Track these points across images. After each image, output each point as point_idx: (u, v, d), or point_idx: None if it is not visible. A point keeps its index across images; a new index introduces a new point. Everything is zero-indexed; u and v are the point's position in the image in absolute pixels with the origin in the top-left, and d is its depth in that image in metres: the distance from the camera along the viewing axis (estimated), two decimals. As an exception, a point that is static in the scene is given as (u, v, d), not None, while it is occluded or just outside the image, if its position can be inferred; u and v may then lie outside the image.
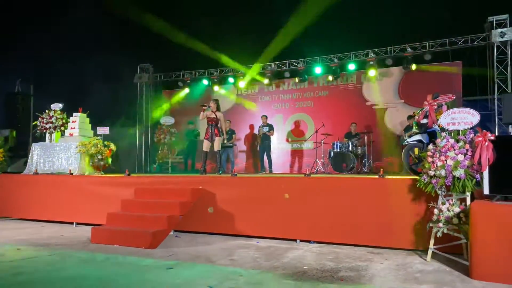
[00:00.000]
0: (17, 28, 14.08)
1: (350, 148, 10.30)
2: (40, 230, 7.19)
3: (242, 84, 13.42)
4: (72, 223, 7.73)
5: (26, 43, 14.07)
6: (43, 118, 9.44)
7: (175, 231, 6.64)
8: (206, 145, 8.27)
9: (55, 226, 7.58)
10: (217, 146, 8.25)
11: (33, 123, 11.42)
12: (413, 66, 11.32)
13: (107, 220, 6.31)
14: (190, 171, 12.10)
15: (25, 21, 13.98)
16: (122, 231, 5.89)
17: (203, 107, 8.31)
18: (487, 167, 4.20)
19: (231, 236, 6.38)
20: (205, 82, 13.85)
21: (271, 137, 11.33)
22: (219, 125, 8.34)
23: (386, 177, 5.77)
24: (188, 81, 14.03)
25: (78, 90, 13.73)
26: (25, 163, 9.75)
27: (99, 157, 8.37)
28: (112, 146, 8.65)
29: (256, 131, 12.27)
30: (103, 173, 8.56)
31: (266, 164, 11.25)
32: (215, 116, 8.25)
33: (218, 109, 8.37)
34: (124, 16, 13.83)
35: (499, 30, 10.20)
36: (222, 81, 13.92)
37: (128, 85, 14.78)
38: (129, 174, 7.93)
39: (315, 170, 10.84)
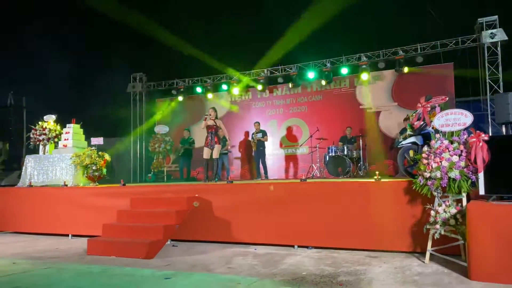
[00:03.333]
0: (9, 41, 14.04)
1: (345, 152, 10.31)
2: (36, 243, 7.12)
3: (235, 91, 13.42)
4: (67, 235, 7.66)
5: (17, 56, 14.03)
6: (36, 130, 9.38)
7: (172, 240, 6.59)
8: (206, 153, 8.37)
9: (51, 239, 7.50)
10: (216, 154, 8.39)
11: (26, 135, 11.36)
12: (405, 69, 11.39)
13: (103, 231, 6.26)
14: (185, 179, 12.06)
15: (17, 33, 13.94)
16: (118, 242, 5.84)
17: (205, 117, 8.48)
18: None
19: (228, 243, 6.34)
20: (198, 89, 13.85)
21: (266, 143, 11.32)
22: (219, 132, 8.53)
23: (382, 180, 5.77)
24: (182, 89, 14.02)
25: (71, 101, 13.69)
26: (19, 175, 9.68)
27: (94, 167, 8.32)
28: (107, 157, 8.61)
29: (250, 137, 12.27)
30: (98, 183, 8.50)
31: (262, 170, 11.23)
32: (214, 124, 8.41)
33: (216, 116, 8.56)
34: (116, 26, 13.86)
35: (489, 31, 10.30)
36: (215, 88, 13.92)
37: (121, 94, 14.75)
38: (124, 184, 7.89)
39: (311, 175, 10.84)
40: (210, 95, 13.84)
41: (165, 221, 6.10)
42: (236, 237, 6.31)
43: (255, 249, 5.93)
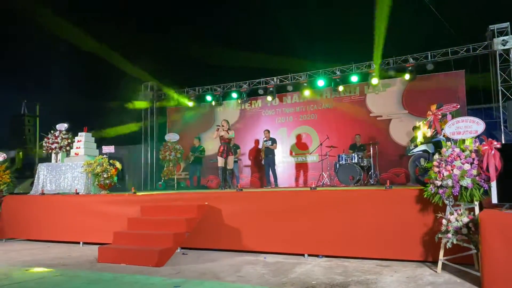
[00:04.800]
0: (23, 51, 14.31)
1: (355, 160, 10.25)
2: (47, 250, 7.18)
3: (245, 99, 13.47)
4: (79, 243, 7.71)
5: (31, 65, 14.29)
6: (49, 139, 9.52)
7: (182, 248, 6.61)
8: (220, 161, 8.81)
9: (62, 246, 7.57)
10: (230, 164, 8.98)
11: (39, 144, 11.52)
12: (416, 77, 11.33)
13: (113, 239, 6.29)
14: (196, 187, 12.09)
15: (31, 42, 14.21)
16: (129, 249, 5.87)
17: (218, 127, 8.91)
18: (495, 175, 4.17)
19: (238, 252, 6.33)
20: (208, 98, 13.93)
21: (275, 151, 11.32)
22: (231, 143, 9.03)
23: (393, 188, 5.73)
24: (192, 98, 14.12)
25: (83, 110, 13.87)
26: (32, 183, 9.80)
27: (105, 175, 8.39)
28: (118, 165, 8.67)
29: (260, 145, 12.29)
30: (109, 191, 8.57)
31: (272, 178, 11.21)
32: (227, 135, 8.83)
33: (229, 127, 9.02)
34: (127, 34, 14.08)
35: (501, 38, 10.22)
36: (225, 97, 13.99)
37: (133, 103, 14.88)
38: (135, 192, 7.94)
39: (321, 183, 10.79)
40: (220, 104, 13.91)
41: (175, 229, 6.11)
42: (246, 246, 6.30)
43: (265, 258, 5.91)
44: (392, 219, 5.39)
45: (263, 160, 11.45)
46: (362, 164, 10.37)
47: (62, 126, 9.64)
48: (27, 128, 14.01)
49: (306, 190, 6.43)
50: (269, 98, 13.03)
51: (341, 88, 12.20)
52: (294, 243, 5.96)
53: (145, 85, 14.87)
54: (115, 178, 8.64)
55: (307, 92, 12.64)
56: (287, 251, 6.05)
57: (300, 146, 13.09)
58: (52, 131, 9.60)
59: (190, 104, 14.21)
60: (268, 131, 11.41)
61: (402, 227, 5.30)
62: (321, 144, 11.41)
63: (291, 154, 13.14)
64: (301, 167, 13.00)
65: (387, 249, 5.38)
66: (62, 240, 7.91)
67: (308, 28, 13.07)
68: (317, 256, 5.85)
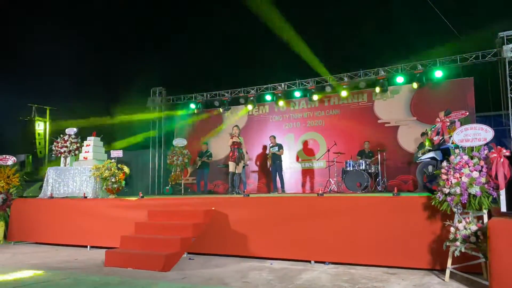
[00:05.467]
0: (33, 57, 14.51)
1: (363, 166, 10.21)
2: (55, 254, 7.23)
3: (251, 105, 13.52)
4: (86, 247, 7.76)
5: (42, 71, 14.47)
6: (58, 143, 9.62)
7: (188, 253, 6.61)
8: (232, 166, 9.11)
9: (70, 250, 7.62)
10: (240, 169, 9.25)
11: (49, 148, 11.63)
12: (424, 83, 11.27)
13: (121, 243, 6.32)
14: (202, 192, 12.11)
15: (41, 49, 14.40)
16: (135, 254, 5.89)
17: (231, 135, 9.28)
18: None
19: (244, 257, 6.33)
20: (216, 103, 13.99)
21: (283, 156, 11.31)
22: (242, 148, 9.31)
23: (401, 195, 5.70)
24: (200, 103, 14.19)
25: (92, 114, 14.00)
26: (41, 187, 9.89)
27: (113, 180, 8.45)
28: (126, 169, 8.73)
29: (267, 151, 12.29)
30: (116, 196, 8.61)
31: (279, 184, 11.20)
32: (238, 140, 9.19)
33: (239, 133, 9.40)
34: (136, 40, 14.22)
35: (510, 45, 10.13)
36: (233, 102, 14.03)
37: (141, 108, 15.00)
38: (142, 197, 7.97)
39: (328, 189, 10.75)
40: (227, 109, 13.96)
41: (182, 234, 6.13)
42: (252, 251, 6.29)
43: (271, 264, 5.90)
44: (399, 226, 5.36)
45: (270, 166, 11.46)
46: (369, 170, 10.33)
47: (72, 130, 9.74)
48: (37, 132, 14.16)
49: (313, 196, 6.41)
50: (280, 103, 13.04)
51: (344, 93, 12.14)
52: (301, 249, 5.95)
53: (154, 90, 14.98)
54: (123, 183, 8.70)
55: (314, 97, 12.62)
56: (293, 257, 6.03)
57: (307, 152, 13.07)
58: (61, 135, 9.71)
59: (198, 109, 14.26)
60: (274, 137, 11.42)
61: (410, 235, 5.26)
62: (328, 150, 11.38)
63: (297, 159, 13.12)
64: (307, 173, 12.97)
65: (395, 257, 5.34)
66: (70, 244, 7.97)
67: (318, 34, 13.10)
68: (323, 262, 5.82)
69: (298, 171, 13.10)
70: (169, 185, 12.67)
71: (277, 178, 11.18)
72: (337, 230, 5.73)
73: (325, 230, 5.80)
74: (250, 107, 13.51)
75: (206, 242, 6.58)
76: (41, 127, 14.37)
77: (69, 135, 9.65)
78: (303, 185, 12.93)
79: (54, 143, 9.69)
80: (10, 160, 9.20)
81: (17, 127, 14.47)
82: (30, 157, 12.80)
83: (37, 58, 14.45)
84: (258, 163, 13.50)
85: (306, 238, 5.91)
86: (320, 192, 6.66)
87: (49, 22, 14.35)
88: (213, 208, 6.71)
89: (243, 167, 11.27)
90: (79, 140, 9.67)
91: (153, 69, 14.69)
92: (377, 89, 11.67)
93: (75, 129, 9.77)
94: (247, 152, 11.81)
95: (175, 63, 14.68)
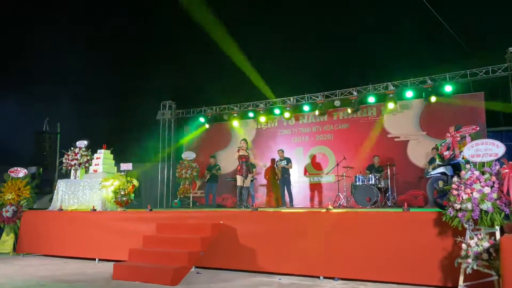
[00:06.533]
0: (49, 72, 14.76)
1: (372, 181, 10.14)
2: (63, 266, 7.24)
3: (262, 119, 13.57)
4: (94, 259, 7.76)
5: (54, 84, 14.71)
6: (68, 155, 9.71)
7: (196, 267, 6.58)
8: (240, 180, 9.04)
9: (78, 263, 7.62)
10: (248, 183, 9.23)
11: (59, 160, 11.75)
12: (434, 98, 11.21)
13: (129, 256, 6.32)
14: (211, 206, 12.09)
15: (52, 61, 14.65)
16: (143, 267, 5.88)
17: (239, 149, 9.24)
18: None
19: (252, 272, 6.27)
20: (225, 117, 14.06)
21: (291, 170, 11.29)
22: (249, 162, 9.30)
23: (411, 210, 5.64)
24: (209, 117, 14.27)
25: (103, 128, 14.15)
26: (51, 199, 9.96)
27: (122, 193, 8.48)
28: (135, 182, 8.77)
29: (276, 165, 12.28)
30: (125, 208, 8.64)
31: (287, 198, 11.15)
32: (247, 154, 9.18)
33: (248, 147, 9.41)
34: (145, 53, 14.42)
35: (521, 60, 10.11)
36: (242, 116, 14.09)
37: (151, 121, 15.14)
38: (151, 209, 7.99)
39: (337, 204, 10.68)
40: (236, 123, 14.02)
41: (190, 247, 6.11)
42: (260, 266, 6.24)
43: (280, 279, 5.84)
44: (410, 242, 5.29)
45: (278, 179, 11.44)
46: (379, 185, 10.26)
47: (82, 143, 9.83)
48: (47, 145, 14.31)
49: (322, 211, 6.37)
50: (286, 114, 13.07)
51: (351, 109, 12.16)
52: (309, 264, 5.89)
53: (163, 104, 15.12)
54: (132, 195, 8.73)
55: (323, 112, 12.62)
56: (302, 273, 5.96)
57: (315, 166, 13.03)
58: (72, 148, 9.81)
59: (207, 122, 14.34)
60: (282, 151, 11.42)
61: (420, 251, 5.19)
62: (337, 165, 11.33)
63: (305, 173, 13.07)
64: (316, 187, 12.90)
65: (405, 273, 5.26)
66: (79, 256, 7.98)
67: (331, 49, 13.18)
68: (332, 278, 5.75)
69: (306, 185, 13.04)
70: (178, 198, 12.68)
71: (286, 192, 11.14)
72: (346, 245, 5.67)
73: (334, 246, 5.75)
74: (262, 119, 13.56)
75: (214, 256, 6.54)
76: (52, 140, 14.55)
77: (80, 148, 9.74)
78: (312, 199, 12.86)
79: (65, 156, 9.78)
80: (21, 172, 9.31)
81: (29, 139, 14.65)
82: (41, 169, 12.90)
83: (52, 72, 14.71)
84: (266, 177, 13.47)
85: (315, 253, 5.86)
86: (329, 206, 6.61)
87: (66, 38, 14.67)
88: (221, 222, 6.69)
89: (251, 180, 11.28)
90: (89, 153, 9.75)
91: (164, 83, 14.84)
92: (388, 105, 11.64)
93: (85, 142, 9.86)
94: (255, 166, 11.82)
95: (186, 77, 14.81)
